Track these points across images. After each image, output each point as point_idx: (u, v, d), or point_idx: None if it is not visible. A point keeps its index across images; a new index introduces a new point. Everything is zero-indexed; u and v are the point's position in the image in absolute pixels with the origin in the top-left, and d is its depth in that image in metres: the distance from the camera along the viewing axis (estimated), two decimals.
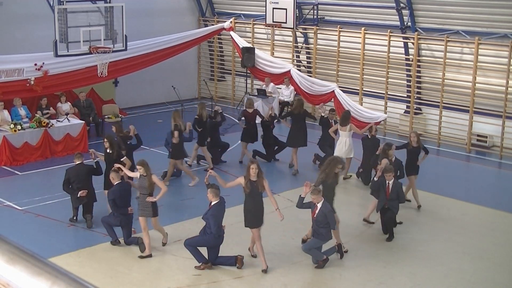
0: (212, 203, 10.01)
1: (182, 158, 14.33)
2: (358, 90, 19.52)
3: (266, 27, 21.59)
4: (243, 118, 16.37)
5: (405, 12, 18.41)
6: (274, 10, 20.67)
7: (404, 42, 18.74)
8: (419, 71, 18.69)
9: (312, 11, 20.75)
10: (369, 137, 14.48)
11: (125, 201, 10.94)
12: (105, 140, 12.51)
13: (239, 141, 16.38)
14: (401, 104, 19.10)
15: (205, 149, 15.29)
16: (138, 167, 10.80)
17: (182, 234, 10.83)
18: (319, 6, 20.58)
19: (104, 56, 16.30)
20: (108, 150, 12.36)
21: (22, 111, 16.59)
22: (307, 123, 15.71)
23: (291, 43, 21.52)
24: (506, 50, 16.45)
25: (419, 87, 18.83)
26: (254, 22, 22.19)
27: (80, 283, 1.53)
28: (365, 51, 19.29)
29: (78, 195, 11.69)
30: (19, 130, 15.68)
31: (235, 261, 10.29)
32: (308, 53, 21.55)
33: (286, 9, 20.39)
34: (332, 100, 18.65)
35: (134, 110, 21.60)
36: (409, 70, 18.72)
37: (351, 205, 13.32)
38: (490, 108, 17.22)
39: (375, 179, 11.89)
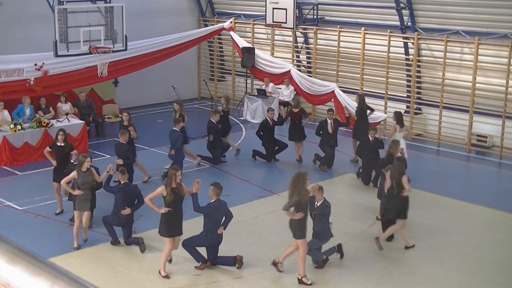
0: (211, 202, 10.04)
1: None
2: (358, 90, 19.50)
3: (266, 27, 21.58)
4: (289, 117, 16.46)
5: (405, 12, 18.40)
6: (274, 10, 20.66)
7: (404, 42, 18.73)
8: (419, 71, 18.69)
9: (312, 11, 20.75)
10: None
11: (127, 202, 10.91)
12: (60, 133, 12.59)
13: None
14: (401, 104, 19.09)
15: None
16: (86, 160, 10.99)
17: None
18: (319, 6, 20.57)
19: (104, 56, 16.30)
20: (59, 144, 12.44)
21: (28, 111, 16.53)
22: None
23: (291, 43, 21.52)
24: (506, 50, 16.44)
25: (419, 87, 18.82)
26: (254, 22, 22.18)
27: (80, 283, 1.53)
28: (365, 51, 19.28)
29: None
30: (19, 130, 15.68)
31: (235, 261, 10.29)
32: (308, 53, 21.55)
33: (286, 9, 20.38)
34: (332, 100, 18.69)
35: (134, 110, 21.53)
36: (409, 70, 18.71)
37: (351, 205, 13.31)
38: (490, 108, 17.21)
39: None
